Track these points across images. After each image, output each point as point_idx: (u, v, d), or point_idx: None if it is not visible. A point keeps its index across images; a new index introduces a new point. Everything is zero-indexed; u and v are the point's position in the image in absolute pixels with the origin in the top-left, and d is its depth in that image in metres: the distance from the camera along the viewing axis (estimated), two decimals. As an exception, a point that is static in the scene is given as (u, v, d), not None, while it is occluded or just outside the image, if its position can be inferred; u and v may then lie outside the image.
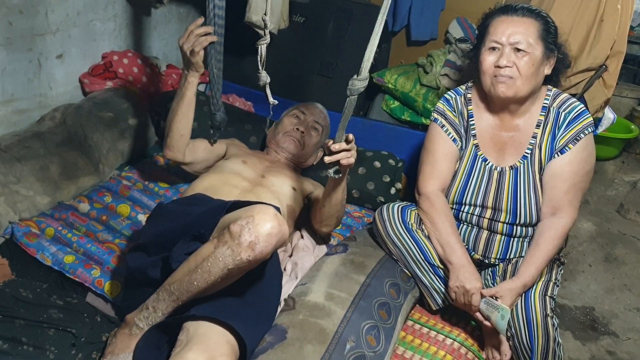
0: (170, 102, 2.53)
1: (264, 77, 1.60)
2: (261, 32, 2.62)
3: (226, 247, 1.38)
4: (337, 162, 1.65)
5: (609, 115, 2.74)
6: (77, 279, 1.79)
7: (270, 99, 1.64)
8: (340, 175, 1.71)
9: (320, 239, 2.13)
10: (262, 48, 1.55)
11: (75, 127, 2.29)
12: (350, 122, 2.66)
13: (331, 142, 1.63)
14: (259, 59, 1.56)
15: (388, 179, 2.42)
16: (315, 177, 2.29)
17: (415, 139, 2.61)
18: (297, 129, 2.24)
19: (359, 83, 1.51)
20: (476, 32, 2.89)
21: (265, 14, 1.53)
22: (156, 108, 2.65)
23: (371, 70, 2.94)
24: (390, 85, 2.88)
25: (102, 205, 2.15)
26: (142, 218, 2.10)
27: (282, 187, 2.02)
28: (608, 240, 3.30)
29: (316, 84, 2.95)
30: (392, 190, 2.42)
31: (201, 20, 1.79)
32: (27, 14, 2.23)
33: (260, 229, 1.37)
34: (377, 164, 2.45)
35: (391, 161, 2.47)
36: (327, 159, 1.62)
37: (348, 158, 1.64)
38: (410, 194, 2.52)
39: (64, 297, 1.75)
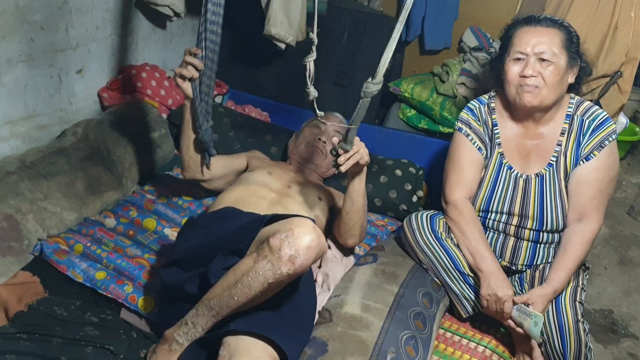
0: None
1: (313, 92, 1.61)
2: (280, 44, 2.66)
3: (266, 261, 1.38)
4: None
5: (621, 120, 2.79)
6: (109, 295, 1.79)
7: (318, 112, 1.66)
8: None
9: (347, 249, 2.14)
10: (310, 64, 1.56)
11: (98, 141, 2.30)
12: (368, 130, 2.73)
13: (337, 140, 1.68)
14: (307, 75, 1.57)
15: (410, 187, 2.44)
16: (337, 187, 2.30)
17: (433, 147, 2.64)
18: (319, 138, 2.25)
19: (373, 86, 1.55)
20: (491, 41, 2.94)
21: (311, 32, 1.53)
22: (174, 120, 2.66)
23: (386, 80, 2.99)
24: (406, 95, 2.90)
25: (128, 220, 2.15)
26: (169, 232, 2.10)
27: (308, 197, 2.03)
28: (621, 243, 3.32)
29: (333, 93, 2.97)
30: (414, 198, 2.43)
31: (196, 50, 1.77)
32: (48, 30, 2.24)
33: (300, 242, 1.38)
34: (398, 172, 2.47)
35: (412, 169, 2.49)
36: (344, 168, 1.67)
37: (362, 157, 1.71)
38: (432, 202, 2.55)
39: (99, 314, 1.75)
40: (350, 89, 2.93)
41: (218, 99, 3.00)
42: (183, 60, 1.77)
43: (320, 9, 2.83)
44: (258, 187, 2.00)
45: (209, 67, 1.79)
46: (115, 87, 2.60)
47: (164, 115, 2.70)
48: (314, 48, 1.55)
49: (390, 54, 1.53)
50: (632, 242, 3.36)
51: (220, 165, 2.11)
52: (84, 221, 2.11)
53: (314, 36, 1.54)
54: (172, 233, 2.09)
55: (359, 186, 1.86)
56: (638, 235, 3.43)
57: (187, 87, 1.81)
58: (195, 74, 1.77)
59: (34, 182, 2.01)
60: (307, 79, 1.57)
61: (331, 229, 2.11)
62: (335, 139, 1.69)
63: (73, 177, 2.13)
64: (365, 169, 1.82)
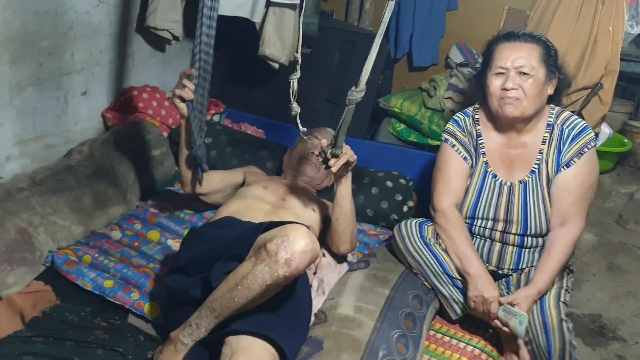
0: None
1: (295, 108, 1.73)
2: (274, 64, 2.78)
3: (264, 265, 1.48)
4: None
5: (605, 130, 2.89)
6: (117, 302, 1.89)
7: (301, 127, 1.78)
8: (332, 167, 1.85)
9: (341, 257, 2.24)
10: (294, 82, 1.69)
11: (103, 159, 2.41)
12: (360, 144, 2.85)
13: (325, 142, 1.83)
14: (290, 91, 1.69)
15: (400, 198, 2.54)
16: (330, 199, 2.40)
17: (422, 159, 2.75)
18: (312, 152, 2.36)
19: (357, 94, 1.71)
20: (476, 56, 3.06)
21: (297, 51, 1.66)
22: (175, 139, 2.78)
23: (376, 96, 3.12)
24: (396, 110, 3.02)
25: (133, 232, 2.26)
26: (172, 243, 2.20)
27: (302, 209, 2.14)
28: (610, 250, 3.40)
29: (324, 110, 3.09)
30: (405, 208, 2.54)
31: (190, 71, 1.87)
32: (55, 54, 2.37)
33: (295, 247, 1.48)
34: (389, 183, 2.58)
35: (402, 180, 2.60)
36: (335, 168, 1.80)
37: (351, 156, 1.84)
38: (421, 211, 2.65)
39: (108, 319, 1.85)
40: (341, 105, 3.04)
41: (216, 118, 3.12)
42: (179, 82, 1.88)
43: (311, 29, 2.97)
44: (254, 200, 2.11)
45: (202, 86, 1.88)
46: (117, 108, 2.72)
47: (165, 134, 2.81)
48: (298, 67, 1.67)
49: (371, 65, 1.68)
50: (620, 249, 3.44)
51: (218, 179, 2.22)
52: (91, 234, 2.22)
53: (298, 56, 1.66)
54: (174, 244, 2.20)
55: (345, 191, 1.98)
56: (626, 243, 3.51)
57: (182, 106, 1.91)
58: (191, 96, 1.87)
59: (44, 197, 2.12)
60: (291, 95, 1.69)
61: (325, 239, 2.21)
62: (324, 141, 1.82)
63: (80, 193, 2.24)
64: (350, 174, 1.95)
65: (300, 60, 1.67)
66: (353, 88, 1.69)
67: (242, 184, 2.32)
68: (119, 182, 2.41)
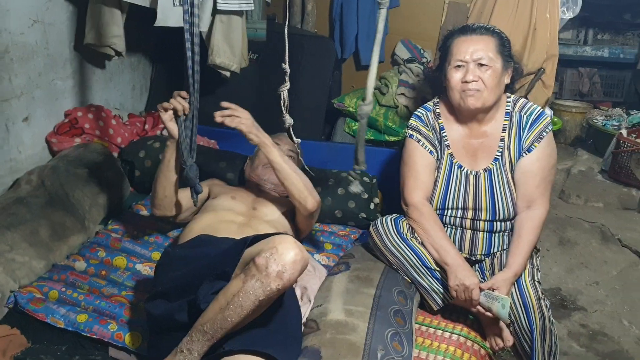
0: (139, 151, 2.58)
1: (289, 120, 1.71)
2: (225, 72, 2.73)
3: (255, 280, 1.44)
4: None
5: (547, 112, 3.02)
6: (94, 336, 1.79)
7: (294, 139, 1.75)
8: None
9: (318, 262, 2.22)
10: (285, 93, 1.66)
11: (55, 187, 2.29)
12: (318, 147, 2.83)
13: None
14: (282, 103, 1.66)
15: (366, 196, 2.55)
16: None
17: (381, 156, 2.77)
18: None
19: (366, 107, 1.82)
20: (422, 52, 3.12)
21: (284, 63, 1.62)
22: (126, 158, 2.67)
23: (328, 97, 3.12)
24: (351, 109, 3.03)
25: (98, 260, 2.15)
26: (141, 267, 2.12)
27: (274, 216, 2.11)
28: (558, 225, 3.56)
29: (278, 115, 3.05)
30: (372, 206, 2.55)
31: (186, 94, 1.84)
32: (-9, 81, 2.23)
33: (285, 258, 1.45)
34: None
35: (366, 179, 2.61)
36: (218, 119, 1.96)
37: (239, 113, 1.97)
38: (387, 207, 2.68)
39: (87, 356, 1.75)
40: (294, 109, 3.02)
41: (165, 133, 3.02)
42: (175, 101, 1.82)
43: (260, 35, 2.93)
44: (225, 212, 2.06)
45: (193, 104, 1.83)
46: (63, 131, 2.60)
47: (115, 154, 2.70)
48: (286, 78, 1.64)
49: (374, 77, 1.83)
50: (567, 223, 3.60)
51: (187, 198, 2.14)
52: (52, 268, 2.10)
53: (286, 67, 1.63)
54: (144, 268, 2.12)
55: (271, 155, 2.02)
56: (572, 217, 3.68)
57: (172, 126, 1.85)
58: (187, 108, 1.83)
59: (-2, 234, 1.99)
60: (282, 107, 1.66)
61: (293, 218, 2.20)
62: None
63: (36, 225, 2.12)
64: (267, 140, 2.02)
65: (288, 71, 1.65)
66: (361, 102, 1.77)
67: (208, 198, 2.26)
68: (75, 210, 2.29)
